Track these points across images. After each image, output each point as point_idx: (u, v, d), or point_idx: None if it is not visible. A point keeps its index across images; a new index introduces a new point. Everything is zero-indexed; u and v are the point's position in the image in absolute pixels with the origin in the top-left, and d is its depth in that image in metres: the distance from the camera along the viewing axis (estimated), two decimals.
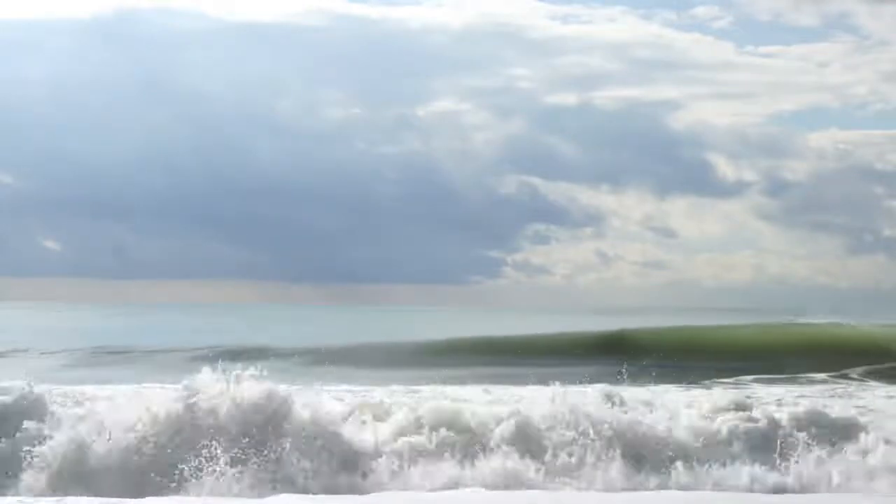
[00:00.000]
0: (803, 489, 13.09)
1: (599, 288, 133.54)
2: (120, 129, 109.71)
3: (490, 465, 13.11)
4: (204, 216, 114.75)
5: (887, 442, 14.02)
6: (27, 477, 12.62)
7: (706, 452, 13.76)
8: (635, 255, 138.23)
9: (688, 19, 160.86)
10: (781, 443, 13.90)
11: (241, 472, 12.37)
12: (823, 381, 25.56)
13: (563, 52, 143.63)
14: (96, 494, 11.89)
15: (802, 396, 19.85)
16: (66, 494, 11.95)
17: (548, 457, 13.36)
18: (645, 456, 13.56)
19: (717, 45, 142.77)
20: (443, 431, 13.68)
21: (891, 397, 20.95)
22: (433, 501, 12.02)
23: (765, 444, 14.03)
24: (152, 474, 12.48)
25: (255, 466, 12.54)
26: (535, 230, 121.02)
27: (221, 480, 12.23)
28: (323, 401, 14.04)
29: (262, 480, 12.41)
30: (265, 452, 12.73)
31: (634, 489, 12.81)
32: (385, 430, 13.78)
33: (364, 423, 13.92)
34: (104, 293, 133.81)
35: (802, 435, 14.07)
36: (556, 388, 14.33)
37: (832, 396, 20.63)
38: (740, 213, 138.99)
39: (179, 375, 13.92)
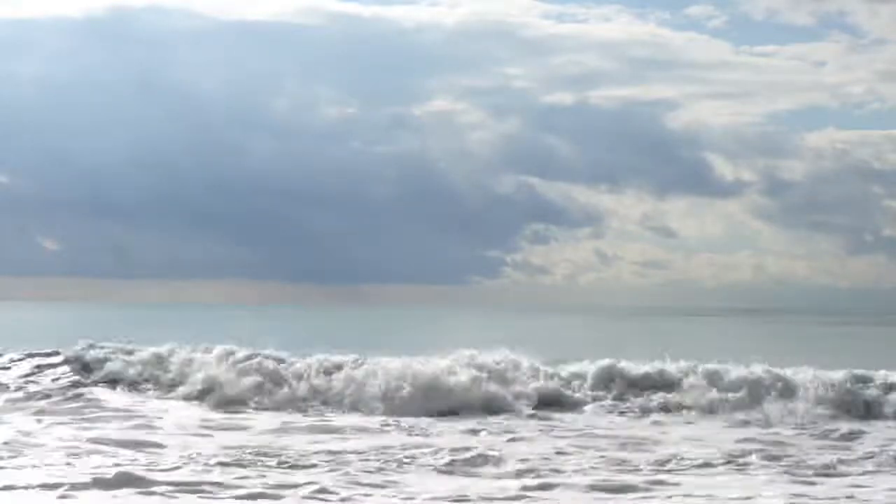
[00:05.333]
0: None
1: (599, 288, 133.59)
2: (115, 128, 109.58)
3: None
4: (201, 216, 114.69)
5: None
6: None
7: None
8: (634, 254, 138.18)
9: (682, 18, 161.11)
10: None
11: None
12: None
13: (559, 51, 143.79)
14: None
15: None
16: None
17: None
18: None
19: (712, 45, 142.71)
20: None
21: None
22: None
23: None
24: None
25: None
26: (533, 230, 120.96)
27: None
28: None
29: None
30: None
31: None
32: None
33: None
34: (103, 293, 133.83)
35: None
36: None
37: None
38: (739, 212, 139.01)
39: None
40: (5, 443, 14.86)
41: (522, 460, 14.46)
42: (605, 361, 22.55)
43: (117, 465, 13.52)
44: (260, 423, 18.20)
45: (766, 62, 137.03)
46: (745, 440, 16.87)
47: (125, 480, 12.43)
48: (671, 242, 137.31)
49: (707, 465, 14.53)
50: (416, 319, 68.06)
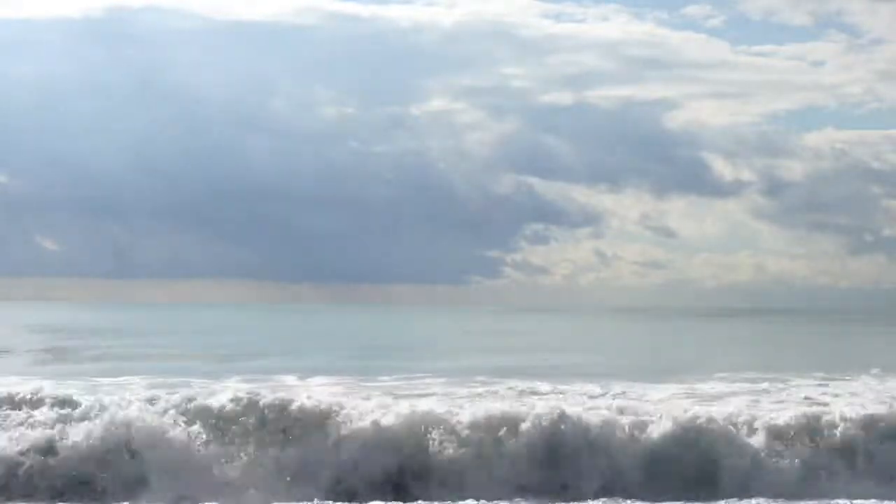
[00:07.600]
0: None
1: (599, 288, 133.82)
2: (114, 128, 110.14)
3: None
4: (200, 216, 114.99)
5: None
6: None
7: None
8: (634, 254, 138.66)
9: (680, 18, 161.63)
10: None
11: None
12: None
13: (557, 50, 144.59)
14: None
15: None
16: None
17: None
18: None
19: (710, 44, 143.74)
20: None
21: None
22: None
23: None
24: None
25: None
26: (533, 230, 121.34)
27: None
28: None
29: None
30: None
31: None
32: None
33: None
34: (104, 293, 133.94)
35: None
36: None
37: None
38: (738, 212, 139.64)
39: None
40: None
41: None
42: None
43: None
44: None
45: (764, 62, 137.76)
46: None
47: None
48: (671, 242, 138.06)
49: None
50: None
